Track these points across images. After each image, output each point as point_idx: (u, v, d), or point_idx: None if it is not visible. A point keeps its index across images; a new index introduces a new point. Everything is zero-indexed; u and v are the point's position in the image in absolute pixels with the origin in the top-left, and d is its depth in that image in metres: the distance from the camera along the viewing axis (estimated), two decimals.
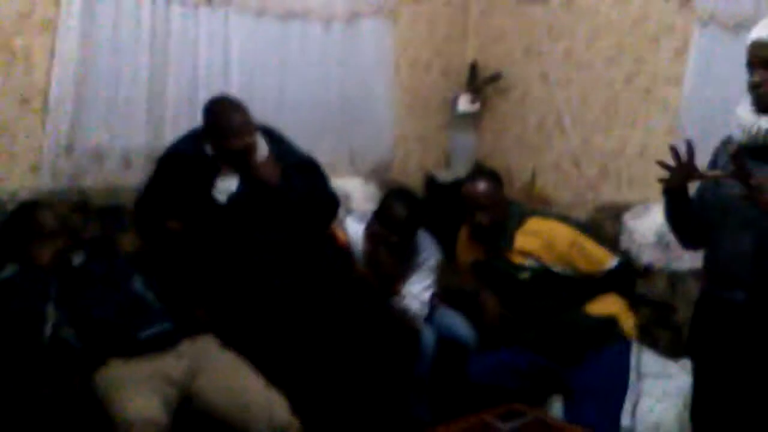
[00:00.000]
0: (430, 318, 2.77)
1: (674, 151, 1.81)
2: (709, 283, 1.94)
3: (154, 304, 2.33)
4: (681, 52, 3.01)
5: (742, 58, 1.81)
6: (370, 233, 2.69)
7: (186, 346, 2.25)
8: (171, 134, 2.80)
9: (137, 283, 2.35)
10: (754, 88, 1.75)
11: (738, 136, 1.80)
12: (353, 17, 3.32)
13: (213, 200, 2.50)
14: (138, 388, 2.04)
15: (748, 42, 1.77)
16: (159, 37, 2.81)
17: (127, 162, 2.83)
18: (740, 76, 1.85)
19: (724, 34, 2.81)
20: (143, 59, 2.78)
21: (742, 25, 2.73)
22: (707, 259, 1.94)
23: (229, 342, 2.32)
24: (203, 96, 2.76)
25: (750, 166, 1.70)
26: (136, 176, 2.80)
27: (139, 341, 2.21)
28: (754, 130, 1.74)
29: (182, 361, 2.20)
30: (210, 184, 2.52)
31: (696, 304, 2.03)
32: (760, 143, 1.74)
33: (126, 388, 2.03)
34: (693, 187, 1.93)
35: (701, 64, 2.89)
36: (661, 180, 1.88)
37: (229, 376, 2.18)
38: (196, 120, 2.68)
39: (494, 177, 2.64)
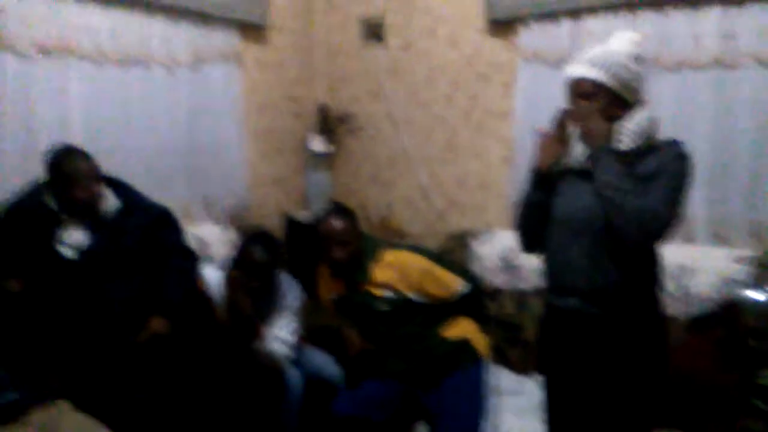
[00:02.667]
0: (296, 359, 2.78)
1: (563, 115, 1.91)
2: (547, 293, 2.07)
3: None
4: (509, 88, 3.26)
5: (563, 91, 1.96)
6: (230, 279, 2.66)
7: (36, 415, 2.12)
8: (8, 189, 2.65)
9: None
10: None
11: (569, 161, 1.95)
12: (197, 62, 3.31)
13: (57, 255, 2.39)
14: None
15: (567, 78, 1.92)
16: None
17: None
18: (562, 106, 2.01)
19: (546, 69, 3.08)
20: None
21: (562, 61, 3.01)
22: (544, 271, 2.06)
23: (84, 405, 2.20)
24: (41, 148, 2.65)
25: (576, 186, 1.92)
26: None
27: None
28: (579, 157, 1.92)
29: None
30: (53, 238, 2.41)
31: (540, 319, 2.16)
32: (585, 168, 1.90)
33: None
34: None
35: (527, 98, 3.15)
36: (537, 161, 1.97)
37: None
38: (34, 174, 2.56)
39: (348, 213, 2.71)
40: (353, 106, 3.85)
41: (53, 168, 2.43)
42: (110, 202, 2.53)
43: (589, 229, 1.88)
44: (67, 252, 2.42)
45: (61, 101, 2.87)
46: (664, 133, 1.94)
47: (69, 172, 2.40)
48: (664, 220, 1.80)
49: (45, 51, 2.80)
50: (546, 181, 1.99)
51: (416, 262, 2.63)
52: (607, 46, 1.93)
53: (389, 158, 3.76)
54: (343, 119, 3.82)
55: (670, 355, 1.97)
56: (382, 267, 2.63)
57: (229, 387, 2.49)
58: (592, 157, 1.85)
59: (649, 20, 2.82)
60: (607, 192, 1.80)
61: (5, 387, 2.14)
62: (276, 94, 3.81)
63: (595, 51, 1.92)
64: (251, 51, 3.64)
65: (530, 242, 2.08)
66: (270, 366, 2.59)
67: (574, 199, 1.94)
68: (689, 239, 2.79)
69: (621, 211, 1.78)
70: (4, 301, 2.30)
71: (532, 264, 2.86)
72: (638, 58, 1.92)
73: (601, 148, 1.83)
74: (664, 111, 2.77)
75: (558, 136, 1.94)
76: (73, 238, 2.44)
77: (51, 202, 2.45)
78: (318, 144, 3.80)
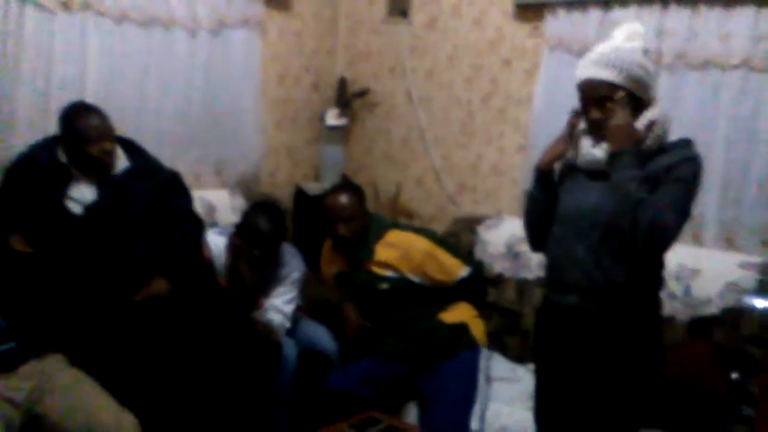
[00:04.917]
0: (293, 330, 2.80)
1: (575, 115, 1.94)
2: (546, 288, 2.07)
3: None
4: (531, 75, 3.21)
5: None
6: (233, 246, 2.67)
7: (31, 367, 2.15)
8: (22, 143, 2.67)
9: None
10: (592, 122, 1.88)
11: (577, 159, 1.94)
12: (219, 27, 3.29)
13: (64, 210, 2.42)
14: None
15: (578, 79, 1.88)
16: (10, 42, 2.69)
17: None
18: None
19: (570, 58, 3.00)
20: None
21: (586, 50, 2.92)
22: (545, 266, 2.06)
23: (78, 361, 2.24)
24: (56, 104, 2.66)
25: (584, 184, 1.91)
26: None
27: None
28: (590, 157, 1.90)
29: (27, 383, 2.10)
30: (62, 193, 2.43)
31: (537, 310, 2.17)
32: (595, 168, 1.89)
33: None
34: None
35: (548, 86, 3.09)
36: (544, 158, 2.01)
37: (77, 397, 2.11)
38: (49, 129, 2.58)
39: (355, 190, 2.71)
40: (372, 82, 3.81)
41: (67, 123, 2.45)
42: (121, 162, 2.54)
43: (594, 228, 1.87)
44: (74, 207, 2.43)
45: (79, 58, 2.87)
46: (683, 131, 1.91)
47: (83, 128, 2.41)
48: (675, 232, 1.79)
49: (66, 6, 2.80)
50: (547, 179, 1.99)
51: (420, 244, 2.63)
52: (614, 42, 1.87)
53: (404, 137, 3.73)
54: (361, 94, 3.79)
55: (664, 357, 1.96)
56: (385, 246, 2.63)
57: (225, 353, 2.51)
58: (614, 158, 1.80)
59: (678, 15, 2.75)
60: (624, 200, 1.76)
61: (4, 336, 2.17)
62: (295, 63, 3.78)
63: (604, 49, 1.86)
64: (274, 18, 3.61)
65: (537, 240, 2.09)
66: (266, 336, 2.61)
67: (581, 197, 1.92)
68: (697, 241, 2.75)
69: (635, 222, 1.74)
70: (6, 254, 2.33)
71: (536, 254, 2.85)
72: (646, 52, 1.88)
73: (626, 149, 1.79)
74: (684, 109, 2.72)
75: (567, 136, 1.95)
76: (81, 194, 2.46)
77: (63, 157, 2.47)
78: (333, 117, 3.78)
